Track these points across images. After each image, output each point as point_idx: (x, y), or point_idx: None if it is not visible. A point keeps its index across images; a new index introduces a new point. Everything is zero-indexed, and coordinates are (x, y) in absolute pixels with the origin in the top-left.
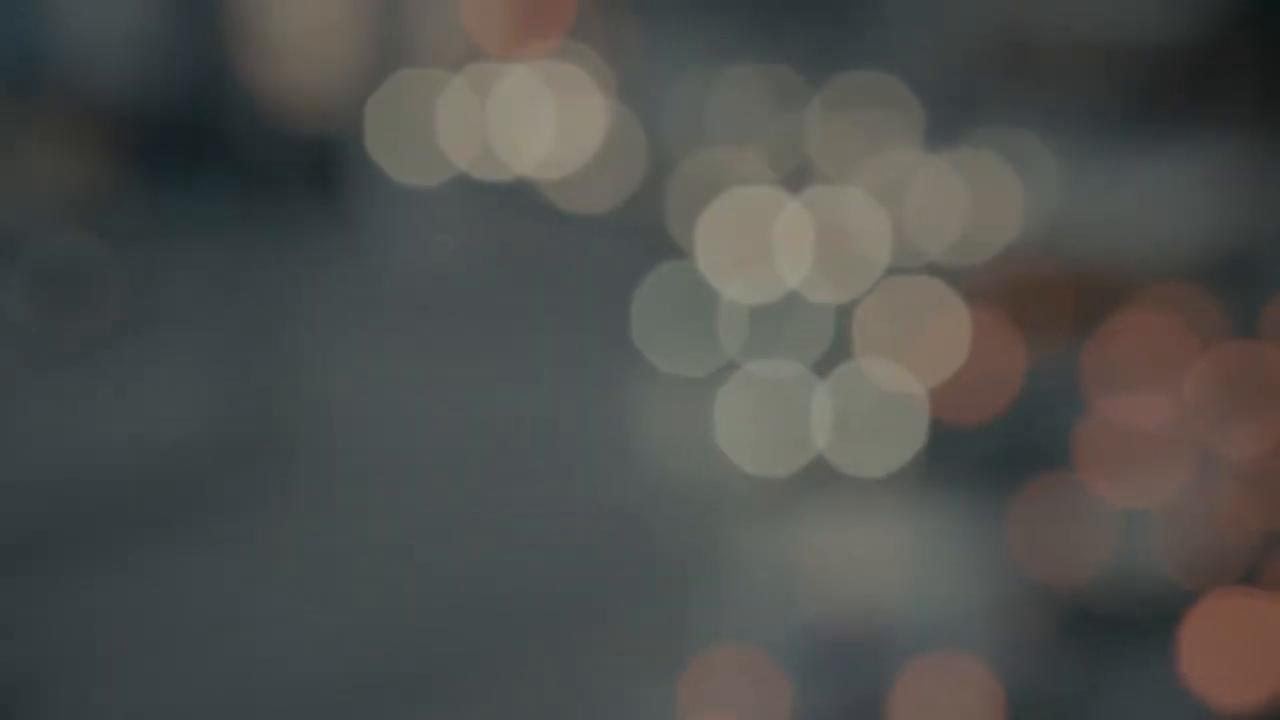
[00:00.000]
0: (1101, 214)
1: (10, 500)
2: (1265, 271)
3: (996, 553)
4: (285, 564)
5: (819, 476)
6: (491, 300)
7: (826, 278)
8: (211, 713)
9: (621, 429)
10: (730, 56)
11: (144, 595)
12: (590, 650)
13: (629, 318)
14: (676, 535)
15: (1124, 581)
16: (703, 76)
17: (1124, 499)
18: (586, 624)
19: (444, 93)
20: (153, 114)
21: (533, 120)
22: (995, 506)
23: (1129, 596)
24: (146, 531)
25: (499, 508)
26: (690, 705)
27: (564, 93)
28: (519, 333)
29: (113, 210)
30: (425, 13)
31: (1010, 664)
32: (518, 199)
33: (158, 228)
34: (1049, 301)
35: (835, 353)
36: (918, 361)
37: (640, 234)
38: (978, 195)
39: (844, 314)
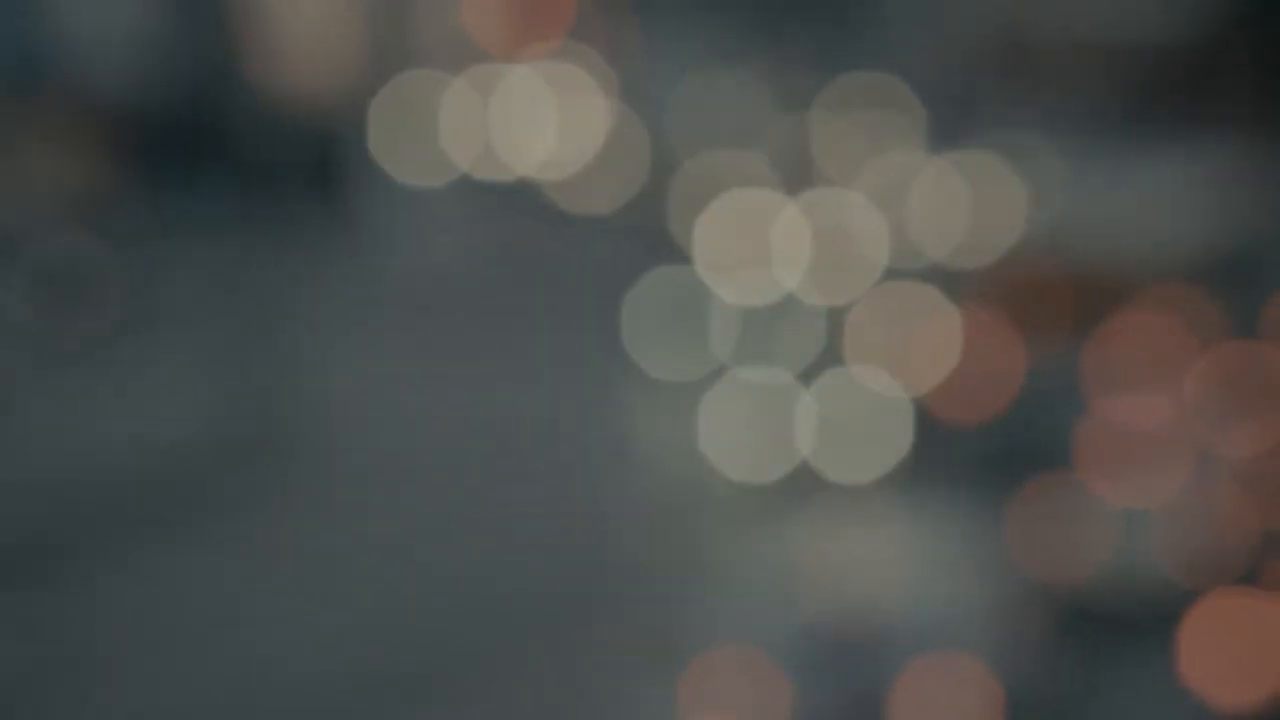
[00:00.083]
0: (1101, 214)
1: (11, 500)
2: (1265, 271)
3: (996, 552)
4: (285, 564)
5: (804, 483)
6: (492, 301)
7: (823, 281)
8: (211, 713)
9: (612, 433)
10: (731, 57)
11: (144, 595)
12: (590, 650)
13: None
14: (673, 537)
15: (1123, 581)
16: (704, 77)
17: (1124, 499)
18: (585, 624)
19: (446, 93)
20: (153, 114)
21: (534, 121)
22: (995, 506)
23: (1128, 596)
24: (146, 531)
25: (496, 508)
26: (690, 705)
27: (565, 93)
28: (518, 334)
29: (113, 210)
30: (426, 13)
31: (1010, 663)
32: (520, 200)
33: (158, 227)
34: (1049, 301)
35: (827, 357)
36: (910, 365)
37: (642, 235)
38: (979, 196)
39: (838, 317)
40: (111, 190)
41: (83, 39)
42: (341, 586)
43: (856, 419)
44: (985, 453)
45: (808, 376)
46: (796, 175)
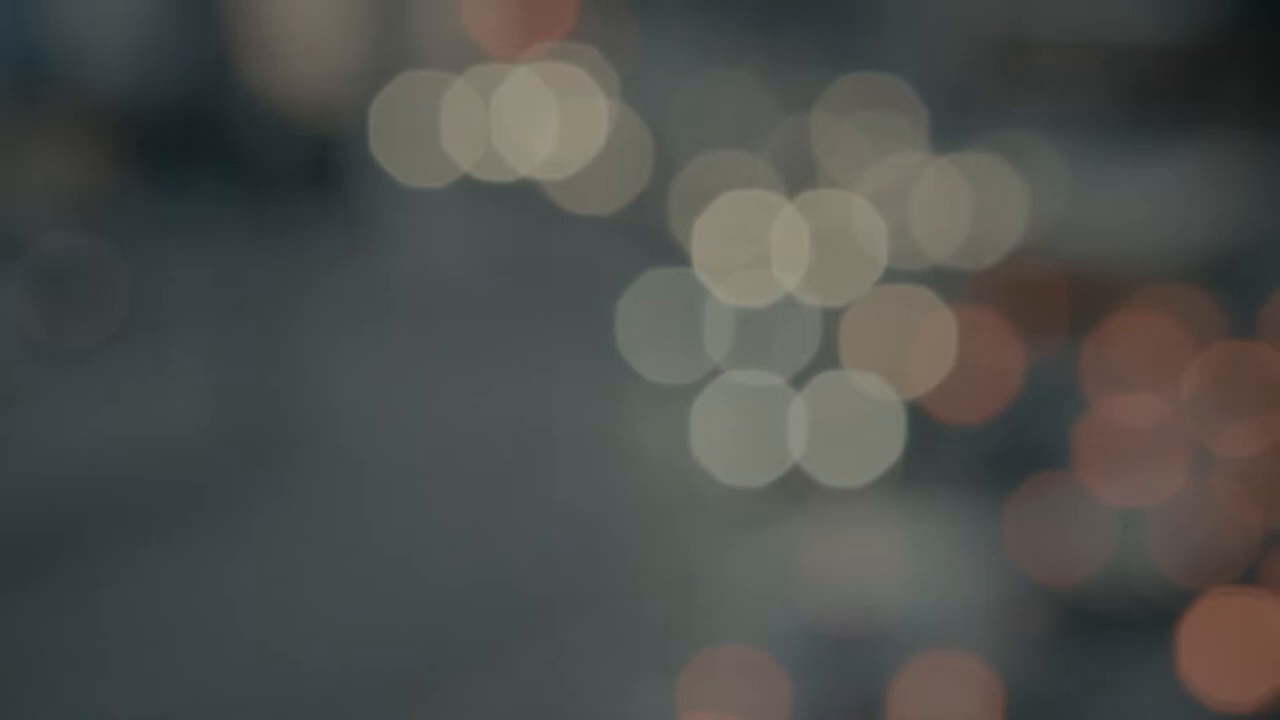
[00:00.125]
0: (1101, 214)
1: (11, 499)
2: (1263, 271)
3: (995, 552)
4: (285, 564)
5: (796, 487)
6: (492, 302)
7: (821, 282)
8: (211, 712)
9: (607, 436)
10: (732, 57)
11: (144, 595)
12: (589, 650)
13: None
14: (670, 538)
15: (1121, 580)
16: (705, 78)
17: (1122, 498)
18: (584, 624)
19: (447, 94)
20: (154, 114)
21: (535, 121)
22: (993, 506)
23: (1126, 595)
24: (147, 531)
25: (494, 509)
26: (690, 704)
27: (566, 93)
28: (518, 335)
29: (114, 210)
30: (427, 14)
31: (1008, 662)
32: (521, 200)
33: (158, 228)
34: (1047, 302)
35: (822, 360)
36: (906, 367)
37: (644, 236)
38: (980, 197)
39: (835, 319)
40: (112, 190)
41: (84, 39)
42: (341, 586)
43: (849, 423)
44: (984, 453)
45: (801, 379)
46: (798, 176)
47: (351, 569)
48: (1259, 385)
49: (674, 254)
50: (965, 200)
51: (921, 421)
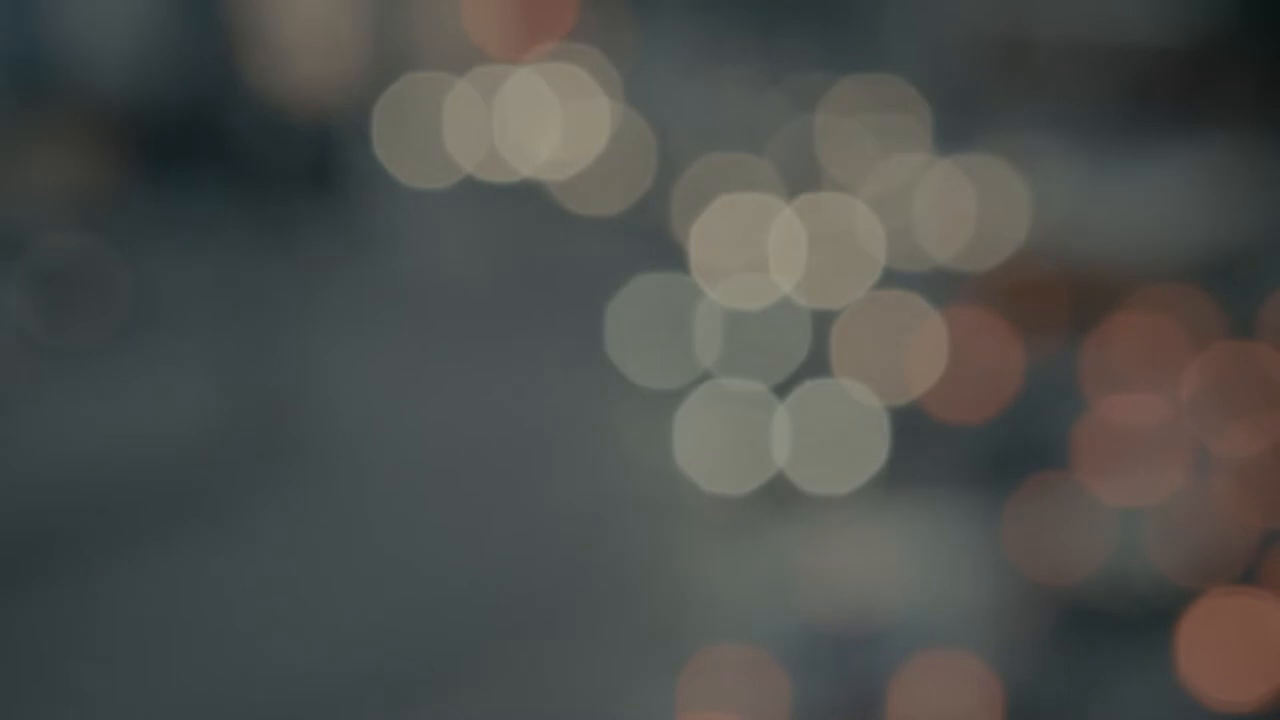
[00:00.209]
0: (1101, 214)
1: (12, 499)
2: (1263, 271)
3: (994, 551)
4: (285, 564)
5: (778, 494)
6: (493, 304)
7: (817, 285)
8: (211, 711)
9: (602, 440)
10: (734, 59)
11: (144, 595)
12: (589, 649)
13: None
14: (671, 537)
15: (1121, 580)
16: (708, 79)
17: (1121, 498)
18: (582, 624)
19: (449, 95)
20: (156, 114)
21: (538, 122)
22: (993, 506)
23: (1126, 595)
24: (147, 531)
25: (494, 510)
26: (689, 704)
27: (568, 94)
28: (518, 337)
29: (115, 210)
30: (428, 16)
31: (1008, 662)
32: (524, 200)
33: (160, 228)
34: (1047, 302)
35: (811, 365)
36: (896, 373)
37: (647, 238)
38: (983, 198)
39: (829, 323)
40: (113, 190)
41: (86, 40)
42: (340, 586)
43: (834, 430)
44: (984, 453)
45: (789, 385)
46: (802, 178)
47: (350, 569)
48: (1259, 385)
49: (675, 256)
50: (968, 201)
51: (922, 421)
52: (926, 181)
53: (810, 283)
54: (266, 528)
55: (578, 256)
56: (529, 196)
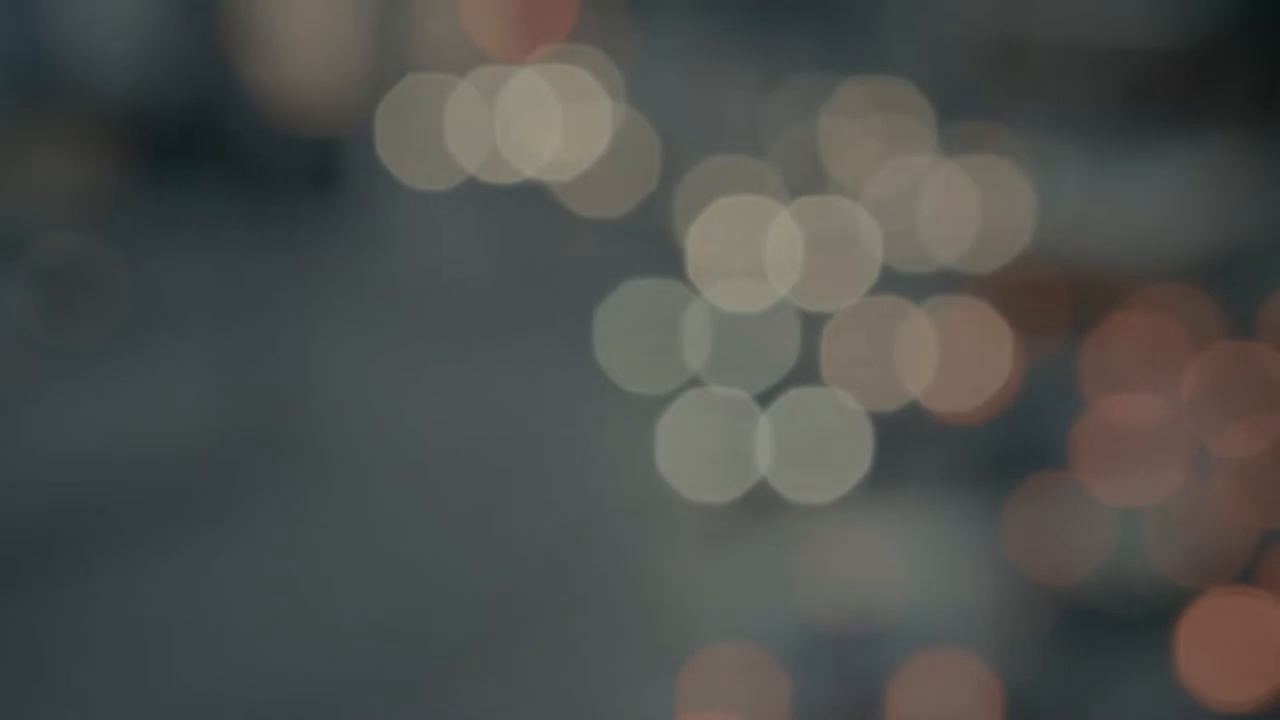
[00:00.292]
0: (1101, 214)
1: (12, 499)
2: (1262, 272)
3: (994, 551)
4: (284, 564)
5: (761, 502)
6: (494, 305)
7: (813, 289)
8: (210, 711)
9: (598, 443)
10: (737, 60)
11: (144, 594)
12: (589, 649)
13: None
14: (671, 538)
15: (1120, 579)
16: (711, 80)
17: (1121, 498)
18: (581, 624)
19: (451, 97)
20: (157, 115)
21: (540, 123)
22: (993, 505)
23: (1125, 594)
24: (147, 531)
25: (493, 511)
26: (690, 704)
27: (570, 95)
28: (518, 338)
29: (116, 210)
30: (429, 17)
31: (1008, 661)
32: (527, 202)
33: (160, 228)
34: (1047, 302)
35: (801, 370)
36: (889, 375)
37: (649, 240)
38: (986, 199)
39: (822, 327)
40: (114, 191)
41: (87, 40)
42: (339, 586)
43: (818, 437)
44: (984, 453)
45: (776, 392)
46: (805, 180)
47: (349, 569)
48: (1258, 385)
49: (677, 259)
50: (971, 203)
51: (921, 421)
52: (931, 183)
53: (807, 286)
54: (266, 528)
55: (579, 258)
56: (531, 198)
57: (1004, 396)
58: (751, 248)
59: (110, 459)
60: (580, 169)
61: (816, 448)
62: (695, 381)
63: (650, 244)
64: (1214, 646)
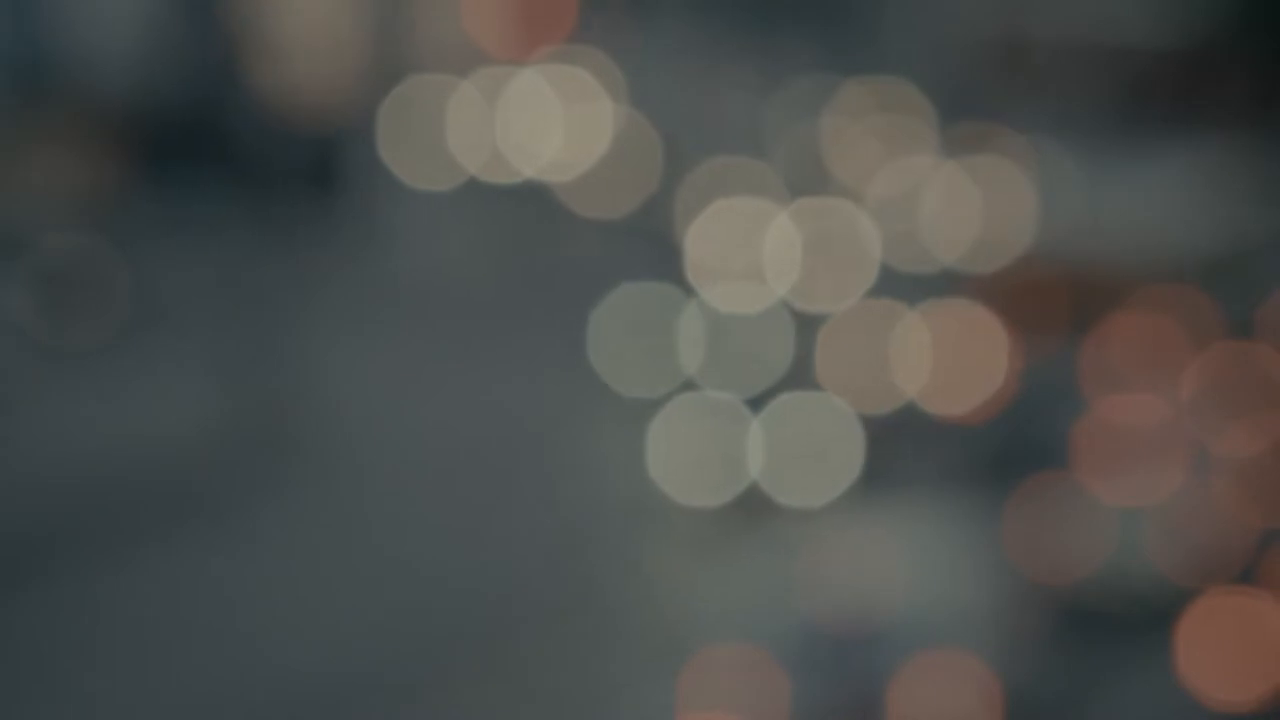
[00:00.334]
0: (1101, 214)
1: (11, 499)
2: (1262, 272)
3: (994, 551)
4: (284, 564)
5: (752, 506)
6: (495, 306)
7: (810, 291)
8: (211, 712)
9: (596, 445)
10: (739, 61)
11: (144, 594)
12: (588, 649)
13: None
14: (671, 538)
15: (1120, 579)
16: (712, 81)
17: (1120, 498)
18: (581, 624)
19: (452, 97)
20: (158, 115)
21: (541, 123)
22: (992, 505)
23: (1125, 594)
24: (147, 531)
25: (493, 511)
26: (690, 703)
27: (571, 96)
28: (518, 339)
29: (116, 210)
30: (430, 18)
31: (1008, 661)
32: (529, 202)
33: (161, 228)
34: (1046, 302)
35: (795, 373)
36: (884, 377)
37: (650, 241)
38: (988, 200)
39: (817, 329)
40: (115, 190)
41: (88, 41)
42: (339, 586)
43: (810, 441)
44: (984, 453)
45: (769, 395)
46: (806, 181)
47: (349, 569)
48: (1258, 385)
49: (677, 260)
50: (973, 203)
51: (921, 422)
52: (932, 184)
53: (805, 288)
54: (266, 528)
55: (580, 259)
56: (532, 198)
57: (1003, 396)
58: (750, 249)
59: (110, 459)
60: (581, 169)
61: (808, 452)
62: (689, 385)
63: (651, 245)
64: (1214, 646)
